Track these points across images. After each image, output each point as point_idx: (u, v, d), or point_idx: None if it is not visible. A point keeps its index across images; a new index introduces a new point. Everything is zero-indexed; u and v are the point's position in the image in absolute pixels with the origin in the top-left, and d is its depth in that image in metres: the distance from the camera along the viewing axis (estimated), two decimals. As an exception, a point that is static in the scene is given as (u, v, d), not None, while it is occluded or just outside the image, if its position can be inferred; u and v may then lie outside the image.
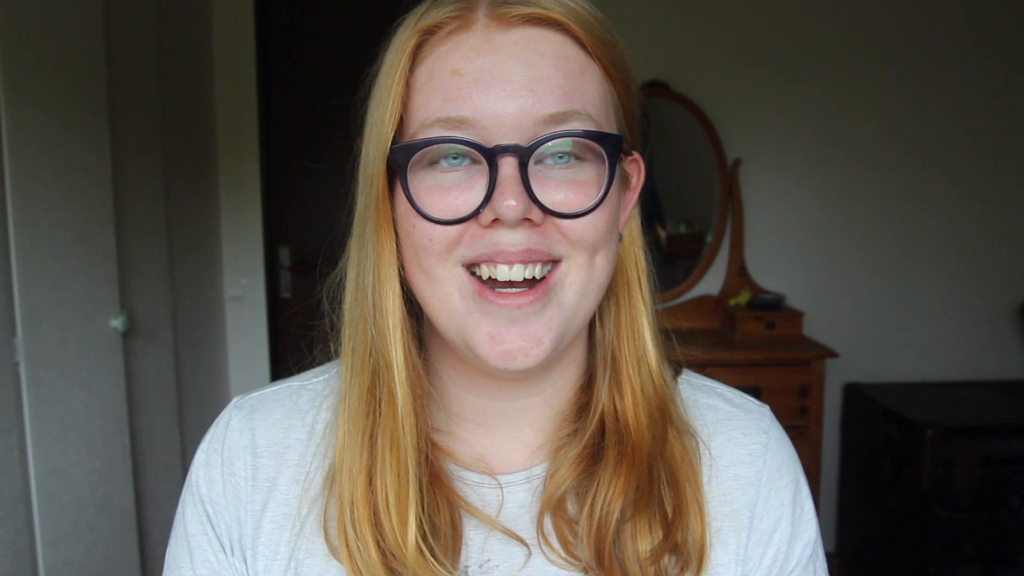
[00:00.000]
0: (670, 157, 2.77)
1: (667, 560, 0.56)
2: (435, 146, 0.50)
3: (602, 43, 0.54)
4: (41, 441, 1.64)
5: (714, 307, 2.78)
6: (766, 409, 0.65)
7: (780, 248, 2.81)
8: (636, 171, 0.60)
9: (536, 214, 0.50)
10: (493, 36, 0.51)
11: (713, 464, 0.61)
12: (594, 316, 0.60)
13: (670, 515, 0.56)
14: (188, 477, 0.62)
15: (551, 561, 0.56)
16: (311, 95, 2.81)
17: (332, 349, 0.61)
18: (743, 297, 2.70)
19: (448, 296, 0.52)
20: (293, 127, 2.83)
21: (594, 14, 0.54)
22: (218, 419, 0.62)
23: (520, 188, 0.49)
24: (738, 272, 2.78)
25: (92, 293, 1.83)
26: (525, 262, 0.51)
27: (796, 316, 2.59)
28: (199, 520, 0.60)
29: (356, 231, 0.57)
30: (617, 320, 0.59)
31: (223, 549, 0.59)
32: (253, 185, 2.75)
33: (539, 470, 0.59)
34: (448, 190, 0.50)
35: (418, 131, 0.51)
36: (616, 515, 0.55)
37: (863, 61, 2.73)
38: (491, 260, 0.51)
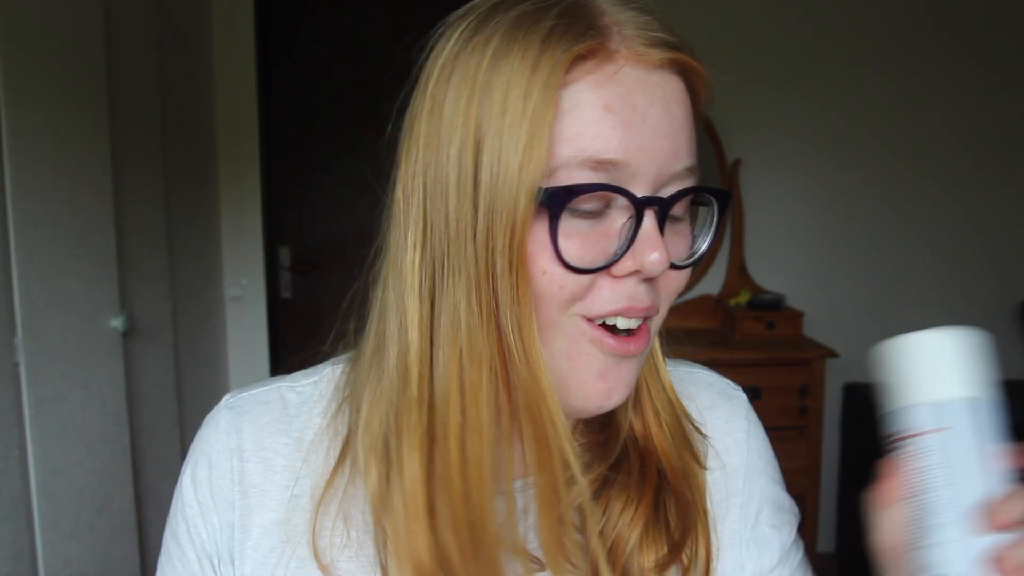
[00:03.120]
0: (670, 157, 2.76)
1: (670, 572, 0.55)
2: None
3: (707, 94, 0.52)
4: (41, 441, 1.64)
5: (714, 307, 2.78)
6: (741, 392, 0.67)
7: (780, 248, 2.81)
8: None
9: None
10: (641, 75, 0.48)
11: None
12: None
13: (676, 531, 0.56)
14: (180, 478, 0.61)
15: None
16: (311, 95, 2.81)
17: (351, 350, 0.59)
18: (743, 297, 2.70)
19: (553, 339, 0.49)
20: (293, 127, 2.84)
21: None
22: (207, 418, 0.61)
23: (662, 242, 0.47)
24: (738, 272, 2.78)
25: (92, 293, 1.83)
26: (649, 316, 0.50)
27: (796, 316, 2.58)
28: (185, 522, 0.59)
29: (414, 255, 0.50)
30: None
31: (207, 555, 0.58)
32: (253, 185, 2.75)
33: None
34: (586, 236, 0.47)
35: (562, 166, 0.46)
36: (635, 539, 0.54)
37: (864, 62, 2.73)
38: (623, 314, 0.48)
